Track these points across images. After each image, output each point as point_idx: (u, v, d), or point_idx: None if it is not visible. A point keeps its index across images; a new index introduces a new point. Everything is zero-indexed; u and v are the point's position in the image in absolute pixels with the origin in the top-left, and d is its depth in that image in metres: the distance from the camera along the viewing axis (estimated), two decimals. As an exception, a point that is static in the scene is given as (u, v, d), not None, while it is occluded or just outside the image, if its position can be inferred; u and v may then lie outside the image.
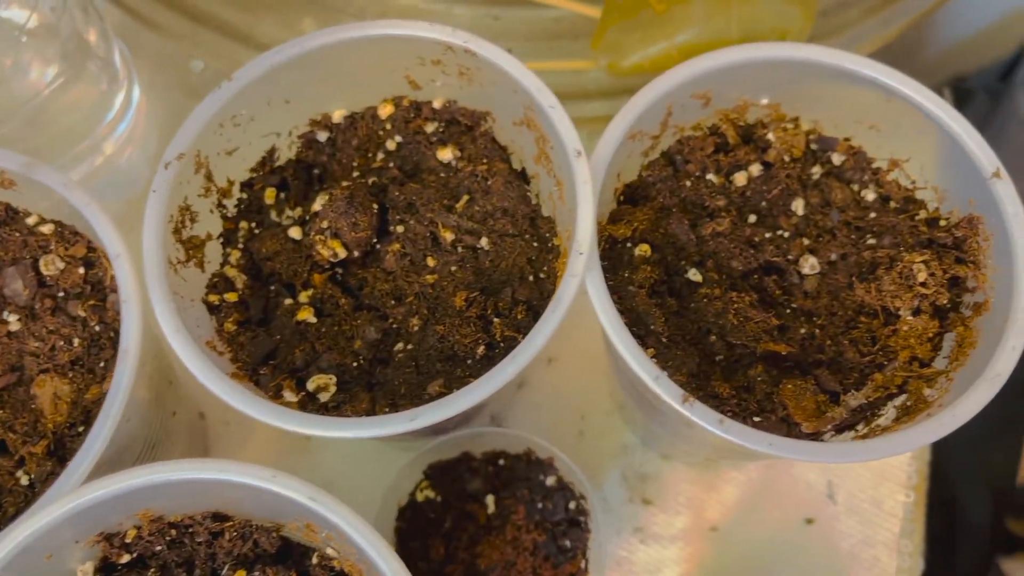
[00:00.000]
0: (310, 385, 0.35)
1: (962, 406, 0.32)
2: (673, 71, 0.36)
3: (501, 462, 0.44)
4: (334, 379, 0.35)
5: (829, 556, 0.47)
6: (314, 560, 0.35)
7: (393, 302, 0.37)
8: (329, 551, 0.34)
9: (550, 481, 0.43)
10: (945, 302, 0.36)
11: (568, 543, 0.42)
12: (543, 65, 0.49)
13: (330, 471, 0.49)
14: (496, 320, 0.35)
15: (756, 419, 0.35)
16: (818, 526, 0.48)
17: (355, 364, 0.36)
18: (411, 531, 0.43)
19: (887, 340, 0.36)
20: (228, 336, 0.36)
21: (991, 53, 0.86)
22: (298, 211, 0.39)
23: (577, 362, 0.52)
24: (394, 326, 0.37)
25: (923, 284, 0.36)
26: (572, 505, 0.43)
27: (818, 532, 0.48)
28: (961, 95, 0.87)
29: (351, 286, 0.38)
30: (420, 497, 0.44)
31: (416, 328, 0.36)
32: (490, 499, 0.44)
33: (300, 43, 0.36)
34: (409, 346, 0.36)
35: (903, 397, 0.35)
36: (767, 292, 0.37)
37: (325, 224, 0.37)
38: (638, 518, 0.48)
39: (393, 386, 0.35)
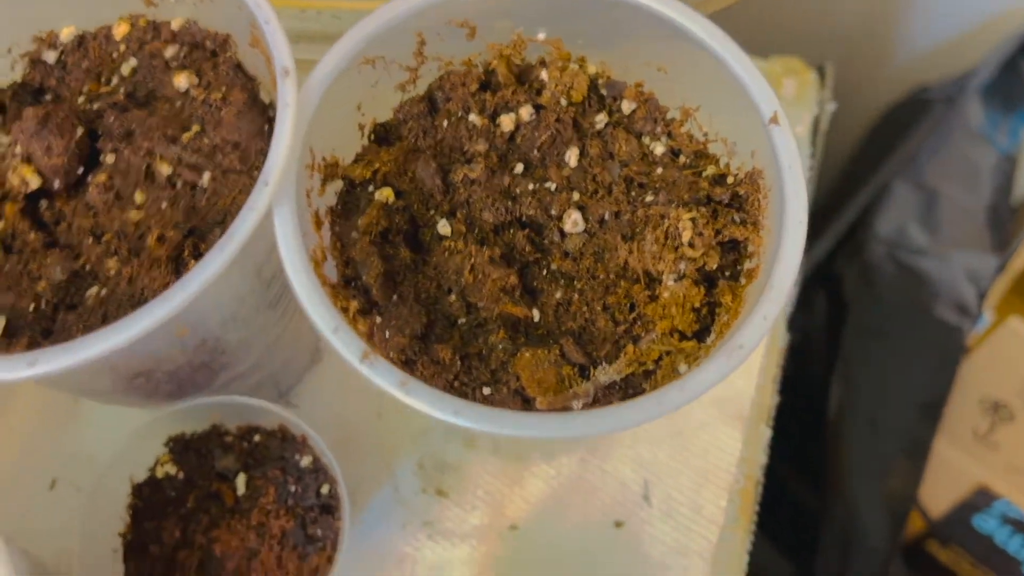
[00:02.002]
0: (-32, 327, 0.30)
1: (695, 379, 0.27)
2: (415, -12, 0.32)
3: (256, 438, 0.39)
4: (2, 321, 0.30)
5: (637, 563, 0.42)
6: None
7: (91, 240, 0.32)
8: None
9: (304, 462, 0.38)
10: (715, 267, 0.31)
11: (319, 531, 0.37)
12: (354, 5, 0.44)
13: (97, 442, 0.44)
14: (192, 262, 0.31)
15: (487, 391, 0.30)
16: (628, 530, 0.43)
17: (32, 307, 0.31)
18: (147, 511, 0.38)
19: (645, 308, 0.31)
20: None
21: (958, 64, 0.82)
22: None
23: (384, 337, 0.47)
24: (87, 268, 0.32)
25: (690, 245, 0.31)
26: (325, 489, 0.38)
27: (627, 537, 0.43)
28: (919, 106, 0.83)
29: (46, 220, 0.33)
30: (160, 473, 0.39)
31: (112, 271, 0.32)
32: (241, 479, 0.39)
33: (-7, -59, 0.32)
34: (103, 291, 0.31)
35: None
36: (518, 250, 0.32)
37: (17, 148, 0.32)
38: (430, 511, 0.43)
39: (71, 334, 0.30)
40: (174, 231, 0.31)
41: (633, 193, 0.33)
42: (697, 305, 0.31)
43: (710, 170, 0.33)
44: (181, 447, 0.39)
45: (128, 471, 0.38)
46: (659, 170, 0.34)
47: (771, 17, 0.80)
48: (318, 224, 0.31)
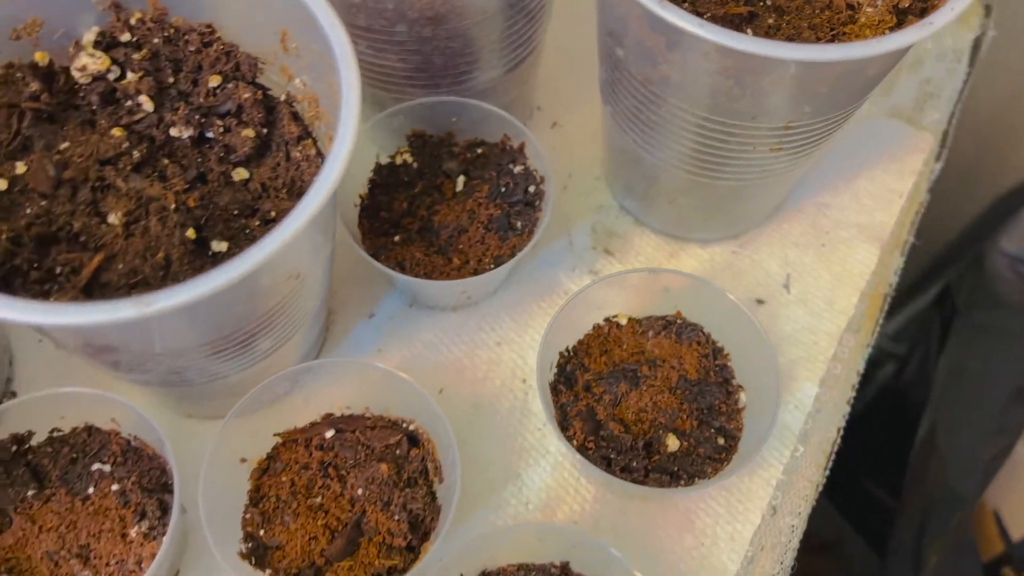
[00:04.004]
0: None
1: (884, 40, 0.34)
2: None
3: (479, 151, 0.47)
4: None
5: (772, 333, 0.48)
6: (282, 97, 0.39)
7: None
8: (298, 84, 0.38)
9: (518, 169, 0.46)
10: (907, 5, 0.38)
11: (520, 223, 0.45)
12: None
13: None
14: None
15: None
16: (767, 307, 0.49)
17: None
18: (383, 185, 0.47)
19: (843, 28, 0.38)
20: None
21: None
22: None
23: (578, 130, 0.55)
24: None
25: (889, -14, 0.38)
26: (532, 188, 0.46)
27: (765, 312, 0.49)
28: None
29: None
30: (399, 160, 0.47)
31: None
32: (460, 179, 0.47)
33: None
34: None
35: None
36: (743, -22, 0.40)
37: None
38: (596, 262, 0.50)
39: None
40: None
41: (839, -35, 0.41)
42: (885, 32, 0.38)
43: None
44: (420, 144, 0.47)
45: (375, 151, 0.47)
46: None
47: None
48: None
